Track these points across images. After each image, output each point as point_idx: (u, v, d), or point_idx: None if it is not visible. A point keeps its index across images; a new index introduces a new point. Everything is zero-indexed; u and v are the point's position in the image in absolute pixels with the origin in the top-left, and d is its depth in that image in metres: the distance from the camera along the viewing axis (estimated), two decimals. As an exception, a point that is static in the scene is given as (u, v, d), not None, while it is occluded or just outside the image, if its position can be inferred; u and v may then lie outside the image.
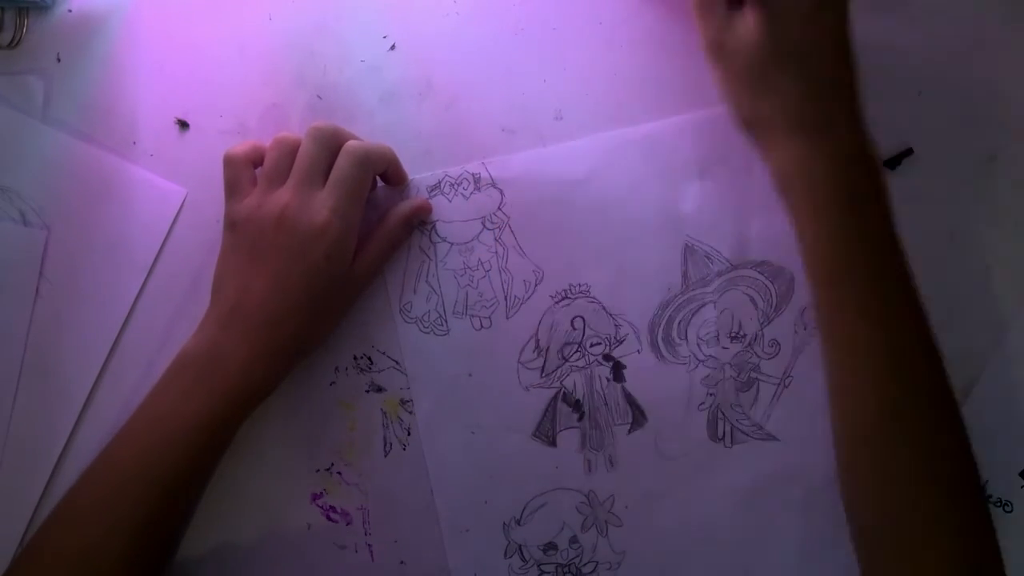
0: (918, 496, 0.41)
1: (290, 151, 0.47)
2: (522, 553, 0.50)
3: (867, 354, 0.43)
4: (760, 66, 0.43)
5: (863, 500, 0.43)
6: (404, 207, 0.50)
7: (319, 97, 0.52)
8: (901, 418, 0.42)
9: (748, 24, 0.43)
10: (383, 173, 0.49)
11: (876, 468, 0.42)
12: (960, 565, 0.40)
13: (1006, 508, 0.49)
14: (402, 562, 0.50)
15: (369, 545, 0.50)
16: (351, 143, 0.47)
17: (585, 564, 0.50)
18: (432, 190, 0.51)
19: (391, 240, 0.49)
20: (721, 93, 0.47)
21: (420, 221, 0.51)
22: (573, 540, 0.50)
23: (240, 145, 0.48)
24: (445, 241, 0.51)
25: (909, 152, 0.51)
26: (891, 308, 0.43)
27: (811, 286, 0.45)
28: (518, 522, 0.50)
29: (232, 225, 0.47)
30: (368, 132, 0.51)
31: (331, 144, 0.47)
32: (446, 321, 0.51)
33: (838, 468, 0.44)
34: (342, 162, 0.46)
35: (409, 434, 0.51)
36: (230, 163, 0.48)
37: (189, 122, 0.52)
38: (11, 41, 0.52)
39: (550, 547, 0.50)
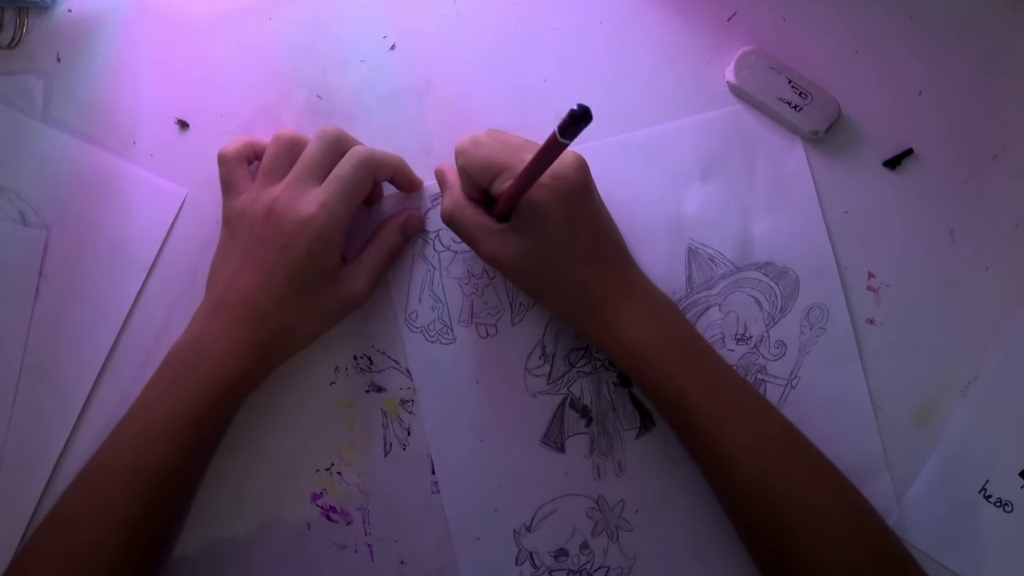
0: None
1: (289, 147, 0.47)
2: (533, 560, 0.50)
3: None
4: (523, 277, 0.46)
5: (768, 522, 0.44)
6: (400, 215, 0.50)
7: (319, 97, 0.52)
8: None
9: (510, 241, 0.45)
10: (392, 179, 0.49)
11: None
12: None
13: (1006, 508, 0.49)
14: (402, 562, 0.50)
15: (369, 545, 0.50)
16: (359, 147, 0.47)
17: (596, 570, 0.50)
18: (435, 199, 0.51)
19: (386, 247, 0.49)
20: None
21: (417, 230, 0.51)
22: (584, 546, 0.50)
23: (233, 142, 0.48)
24: (449, 250, 0.51)
25: (909, 152, 0.51)
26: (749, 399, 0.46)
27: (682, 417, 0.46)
28: (528, 529, 0.50)
29: (228, 221, 0.47)
30: (368, 132, 0.51)
31: (336, 147, 0.47)
32: (451, 329, 0.51)
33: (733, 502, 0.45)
34: (344, 161, 0.46)
35: (409, 434, 0.51)
36: (224, 161, 0.48)
37: (189, 122, 0.52)
38: (11, 41, 0.52)
39: (561, 553, 0.50)
